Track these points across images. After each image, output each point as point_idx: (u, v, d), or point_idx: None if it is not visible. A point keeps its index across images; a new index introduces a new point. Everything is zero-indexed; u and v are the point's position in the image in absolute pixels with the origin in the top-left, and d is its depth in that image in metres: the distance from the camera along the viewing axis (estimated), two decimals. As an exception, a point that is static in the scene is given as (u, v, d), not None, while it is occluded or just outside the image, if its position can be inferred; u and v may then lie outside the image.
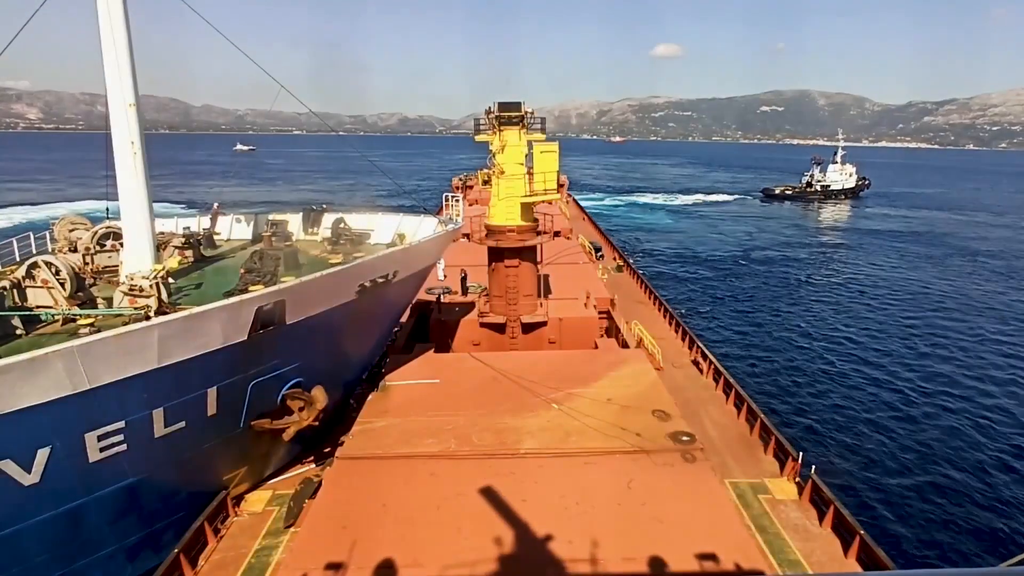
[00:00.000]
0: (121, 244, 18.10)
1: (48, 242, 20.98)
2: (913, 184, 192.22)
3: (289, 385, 16.26)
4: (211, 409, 14.25)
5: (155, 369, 12.33)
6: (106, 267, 19.27)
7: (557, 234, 40.52)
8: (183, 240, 21.08)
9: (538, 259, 27.67)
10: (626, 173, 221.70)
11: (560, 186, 36.10)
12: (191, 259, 20.76)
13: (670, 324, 32.56)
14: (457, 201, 25.55)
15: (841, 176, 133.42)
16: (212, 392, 14.05)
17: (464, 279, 30.86)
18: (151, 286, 15.01)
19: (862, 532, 14.53)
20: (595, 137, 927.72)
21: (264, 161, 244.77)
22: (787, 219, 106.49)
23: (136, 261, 16.01)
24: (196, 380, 13.50)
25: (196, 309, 12.84)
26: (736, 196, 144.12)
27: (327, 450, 18.84)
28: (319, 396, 16.51)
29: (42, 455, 11.32)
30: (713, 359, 25.80)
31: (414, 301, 26.23)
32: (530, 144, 25.85)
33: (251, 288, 16.75)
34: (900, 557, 19.01)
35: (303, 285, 14.86)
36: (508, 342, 27.29)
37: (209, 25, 18.61)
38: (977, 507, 22.43)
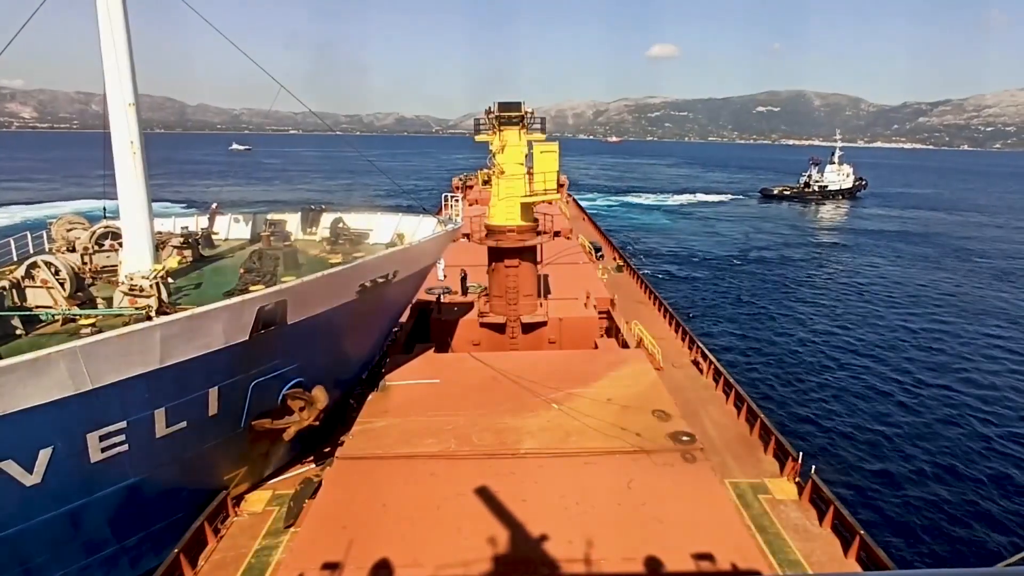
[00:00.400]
0: (119, 244, 18.05)
1: (46, 242, 20.90)
2: (908, 184, 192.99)
3: (290, 385, 16.24)
4: (212, 409, 14.23)
5: (157, 369, 12.31)
6: (105, 267, 19.19)
7: (557, 234, 40.49)
8: (182, 240, 21.00)
9: (538, 259, 27.70)
10: (623, 173, 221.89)
11: (560, 186, 36.09)
12: (190, 259, 20.71)
13: (670, 324, 32.60)
14: (457, 201, 25.58)
15: (839, 176, 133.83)
16: (213, 392, 14.03)
17: (464, 279, 30.83)
18: (151, 286, 14.99)
19: (862, 532, 14.55)
20: (592, 137, 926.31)
21: (261, 161, 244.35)
22: (786, 219, 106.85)
23: (136, 261, 15.97)
24: (198, 380, 13.48)
25: (198, 309, 12.80)
26: (734, 196, 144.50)
27: (327, 450, 18.81)
28: (320, 396, 16.48)
29: (44, 455, 11.28)
30: (713, 359, 25.84)
31: (414, 301, 26.24)
32: (530, 144, 25.88)
33: (251, 288, 16.74)
34: (900, 557, 19.08)
35: (304, 285, 14.84)
36: (508, 342, 27.29)
37: (209, 25, 18.55)
38: (977, 506, 22.50)
